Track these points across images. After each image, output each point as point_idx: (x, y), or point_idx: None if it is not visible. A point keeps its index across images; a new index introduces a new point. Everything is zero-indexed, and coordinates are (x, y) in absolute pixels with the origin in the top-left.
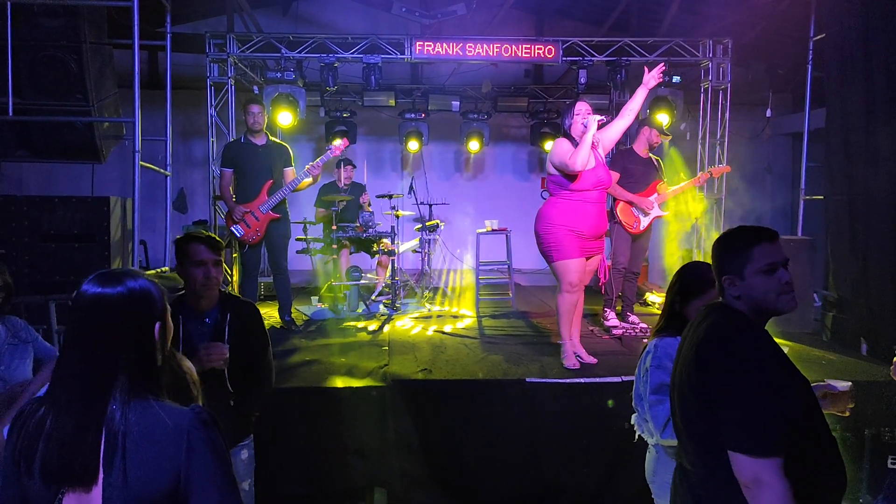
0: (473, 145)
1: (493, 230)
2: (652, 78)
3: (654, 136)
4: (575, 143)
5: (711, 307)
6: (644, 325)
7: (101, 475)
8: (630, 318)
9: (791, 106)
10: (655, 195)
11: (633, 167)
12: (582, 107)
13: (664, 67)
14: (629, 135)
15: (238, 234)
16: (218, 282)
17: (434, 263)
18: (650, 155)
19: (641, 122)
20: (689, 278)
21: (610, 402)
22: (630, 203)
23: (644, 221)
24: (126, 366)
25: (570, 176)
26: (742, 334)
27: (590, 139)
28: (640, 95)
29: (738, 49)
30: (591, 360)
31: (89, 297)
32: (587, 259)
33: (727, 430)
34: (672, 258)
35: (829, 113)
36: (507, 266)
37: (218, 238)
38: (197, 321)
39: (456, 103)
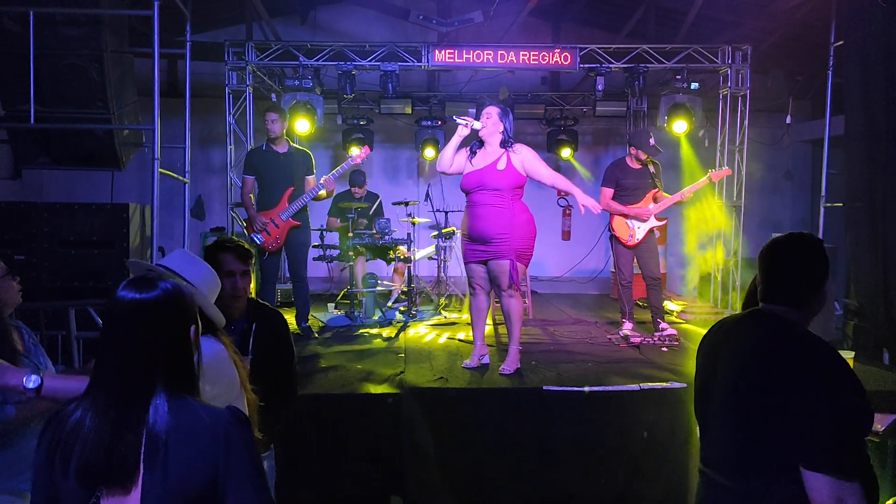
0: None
1: None
2: (583, 206)
3: (641, 154)
4: (479, 146)
5: (764, 316)
6: (672, 332)
7: (140, 476)
8: (661, 326)
9: (810, 113)
10: (652, 204)
11: (624, 181)
12: (485, 110)
13: (595, 209)
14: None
15: (258, 242)
16: (245, 293)
17: (450, 271)
18: (643, 164)
19: (628, 140)
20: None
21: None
22: (625, 216)
23: (639, 233)
24: (164, 367)
25: (461, 180)
26: (828, 349)
27: (454, 141)
28: (567, 192)
29: (756, 56)
30: (509, 370)
31: (127, 303)
32: (485, 263)
33: (809, 447)
34: (693, 264)
35: (848, 120)
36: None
37: (248, 247)
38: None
39: (472, 111)
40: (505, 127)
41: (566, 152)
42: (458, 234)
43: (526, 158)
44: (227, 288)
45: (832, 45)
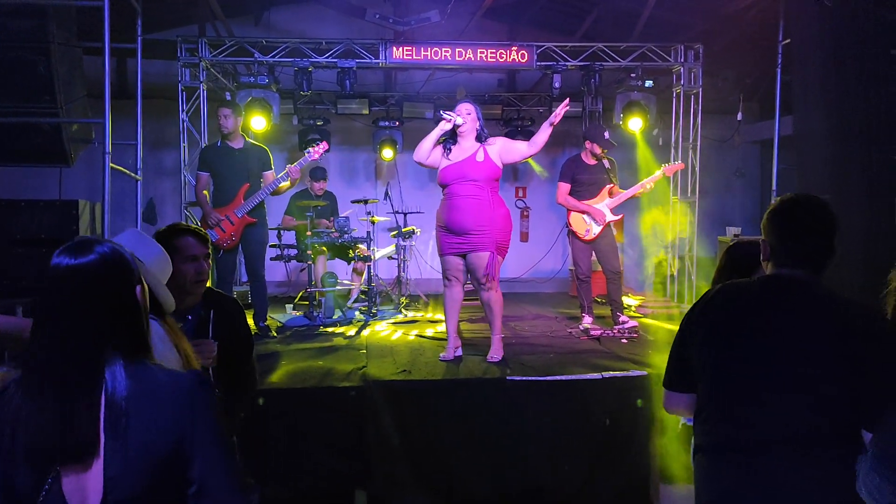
0: None
1: None
2: (557, 115)
3: (596, 148)
4: (453, 143)
5: (800, 282)
6: (634, 323)
7: (101, 447)
8: (621, 319)
9: (759, 114)
10: (608, 199)
11: (580, 176)
12: (461, 107)
13: (568, 104)
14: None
15: (213, 239)
16: (208, 275)
17: (410, 271)
18: (599, 159)
19: (583, 135)
20: (739, 258)
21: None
22: (581, 212)
23: (596, 228)
24: (114, 333)
25: (438, 173)
26: (877, 310)
27: (435, 133)
28: (544, 131)
29: (708, 57)
30: (497, 356)
31: (63, 270)
32: (463, 256)
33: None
34: (649, 265)
35: (797, 117)
36: None
37: (202, 230)
38: (177, 319)
39: (430, 112)
40: (480, 122)
41: None
42: (416, 234)
43: (501, 147)
44: (192, 273)
45: (780, 44)
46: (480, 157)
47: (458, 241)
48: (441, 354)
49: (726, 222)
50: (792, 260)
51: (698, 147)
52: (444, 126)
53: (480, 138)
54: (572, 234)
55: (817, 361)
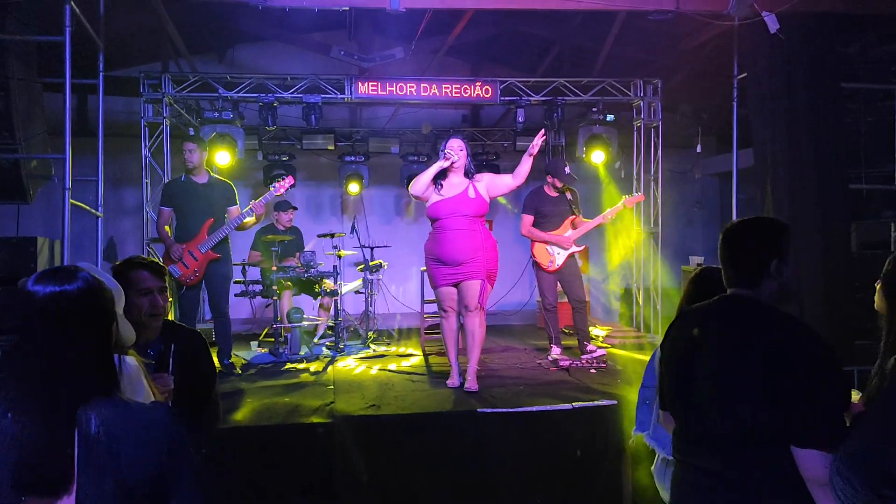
0: (415, 188)
1: None
2: (534, 146)
3: (557, 182)
4: (442, 178)
5: (739, 299)
6: (602, 351)
7: (74, 482)
8: (588, 348)
9: (716, 147)
10: (570, 231)
11: (543, 208)
12: (453, 143)
13: (544, 135)
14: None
15: (175, 275)
16: (165, 310)
17: (378, 305)
18: (560, 191)
19: (545, 169)
20: (704, 285)
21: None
22: (545, 242)
23: (559, 258)
24: (92, 366)
25: (430, 208)
26: (810, 327)
27: (433, 169)
28: (525, 162)
29: (666, 92)
30: (474, 387)
31: (45, 297)
32: (456, 285)
33: (809, 425)
34: (614, 291)
35: (756, 148)
36: None
37: (160, 262)
38: (139, 354)
39: (396, 147)
40: (468, 158)
41: None
42: (384, 268)
43: (488, 182)
44: (146, 307)
45: (735, 78)
46: (472, 193)
47: (451, 271)
48: (448, 381)
49: (689, 252)
50: (733, 279)
51: (660, 179)
52: (442, 164)
53: (468, 174)
54: (537, 265)
55: (748, 373)
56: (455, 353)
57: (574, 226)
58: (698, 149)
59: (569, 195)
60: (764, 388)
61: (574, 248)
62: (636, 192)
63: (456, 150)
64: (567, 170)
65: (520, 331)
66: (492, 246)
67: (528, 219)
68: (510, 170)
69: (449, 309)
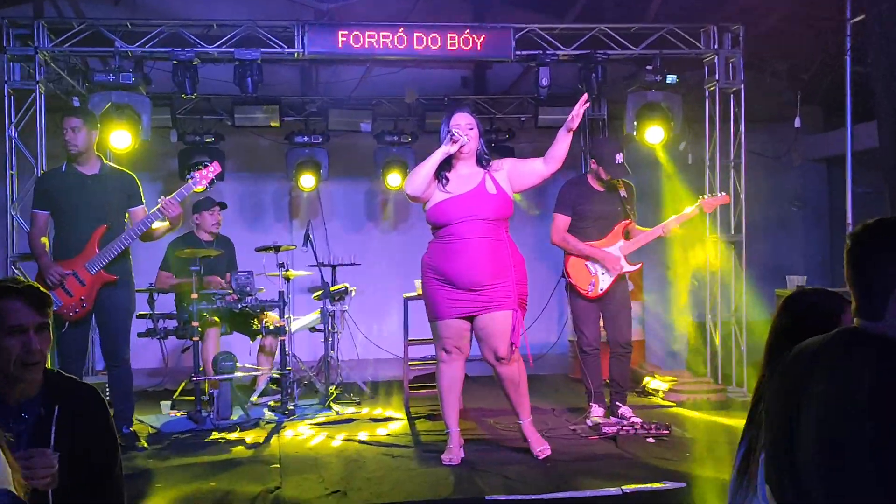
0: (394, 180)
1: None
2: (574, 117)
3: (602, 172)
4: (447, 168)
5: (857, 335)
6: (638, 420)
7: None
8: (620, 411)
9: (821, 122)
10: (622, 241)
11: (584, 206)
12: (459, 119)
13: (586, 102)
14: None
15: (54, 306)
16: (44, 356)
17: (342, 347)
18: (609, 185)
19: (589, 151)
20: (802, 315)
21: None
22: (584, 257)
23: (605, 280)
24: None
25: (432, 211)
26: None
27: (436, 157)
28: (562, 140)
29: (751, 43)
30: (546, 450)
31: None
32: (470, 319)
33: None
34: (680, 326)
35: (881, 122)
36: None
37: (42, 288)
38: (7, 416)
39: (367, 124)
40: (481, 140)
41: None
42: (351, 295)
43: (511, 172)
44: (18, 351)
45: (848, 22)
46: (491, 188)
47: (465, 298)
48: (444, 456)
49: (785, 269)
50: (858, 307)
51: (743, 166)
52: (448, 149)
53: (482, 161)
54: (572, 288)
55: (870, 441)
56: (456, 415)
57: (628, 235)
58: (797, 123)
59: (622, 191)
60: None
61: (626, 267)
62: (719, 192)
63: (464, 128)
64: (619, 158)
65: (546, 383)
66: (521, 262)
67: (563, 221)
68: (529, 154)
69: (453, 350)
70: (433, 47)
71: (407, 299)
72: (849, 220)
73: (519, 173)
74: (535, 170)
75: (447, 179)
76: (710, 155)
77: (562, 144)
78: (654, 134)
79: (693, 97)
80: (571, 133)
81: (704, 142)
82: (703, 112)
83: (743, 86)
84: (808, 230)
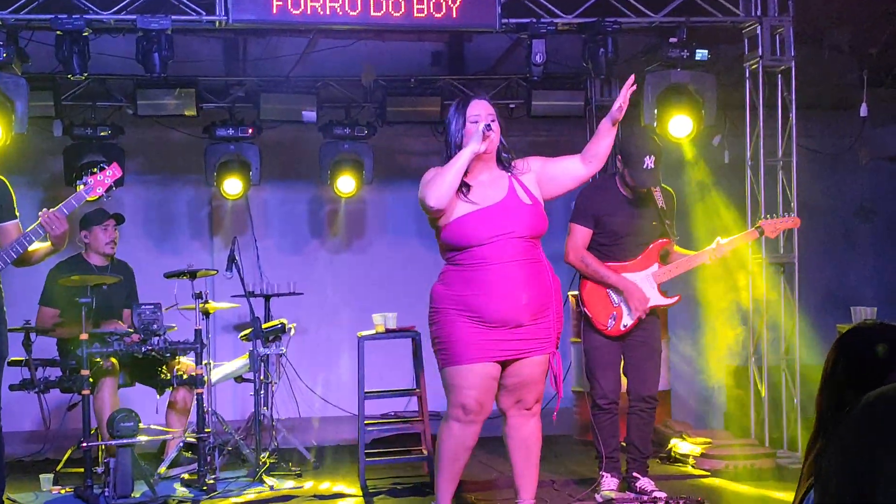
0: (346, 185)
1: (388, 331)
2: (620, 105)
3: (627, 175)
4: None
5: None
6: (663, 495)
7: None
8: (639, 483)
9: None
10: (657, 266)
11: (610, 216)
12: (479, 108)
13: (633, 84)
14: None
15: None
16: None
17: (279, 402)
18: (639, 192)
19: (618, 147)
20: (863, 357)
21: None
22: (607, 283)
23: (628, 314)
24: None
25: (450, 228)
26: None
27: (465, 158)
28: (605, 134)
29: (804, 8)
30: None
31: None
32: (504, 365)
33: None
34: (716, 373)
35: None
36: (416, 396)
37: None
38: None
39: (311, 112)
40: (501, 137)
41: None
42: (290, 334)
43: (539, 173)
44: None
45: None
46: (524, 196)
47: (500, 338)
48: None
49: (849, 300)
50: None
51: (793, 166)
52: (479, 147)
53: (503, 161)
54: (588, 321)
55: None
56: (452, 493)
57: (665, 257)
58: (863, 111)
59: (660, 200)
60: None
61: (661, 300)
62: (784, 214)
63: (486, 119)
64: (649, 161)
65: (544, 446)
66: (559, 288)
67: (583, 235)
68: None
69: (475, 407)
70: (395, 14)
71: (363, 339)
72: None
73: (550, 176)
74: (571, 171)
75: (468, 187)
76: (751, 152)
77: (606, 140)
78: (679, 125)
79: (730, 78)
80: (617, 125)
81: (745, 135)
82: (744, 97)
83: (794, 63)
84: (879, 248)
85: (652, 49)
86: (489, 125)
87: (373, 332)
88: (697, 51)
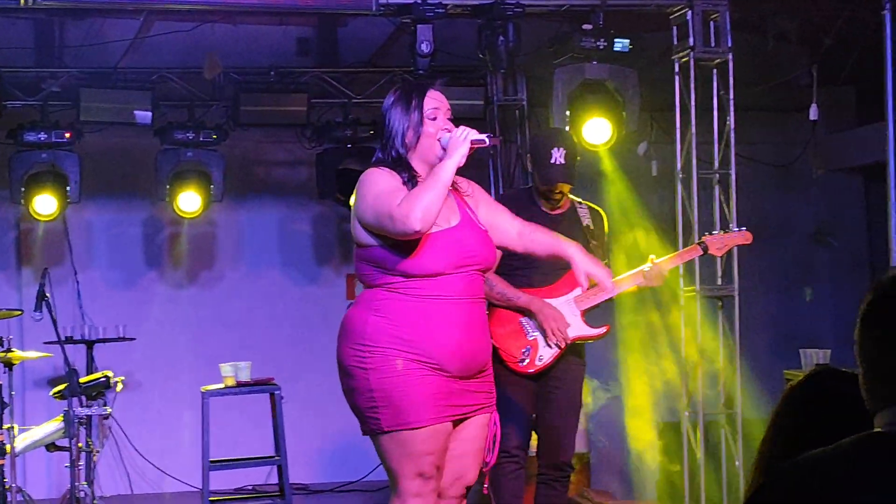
0: (189, 202)
1: (240, 385)
2: (592, 273)
3: (537, 178)
4: (409, 177)
5: (886, 442)
6: None
7: None
8: None
9: (853, 110)
10: (577, 291)
11: None
12: (436, 100)
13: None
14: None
15: None
16: None
17: (103, 474)
18: (556, 201)
19: (528, 148)
20: (819, 408)
21: None
22: (518, 311)
23: (545, 345)
24: None
25: (401, 247)
26: None
27: (450, 170)
28: (551, 244)
29: None
30: None
31: None
32: (455, 423)
33: None
34: (644, 431)
35: None
36: (275, 465)
37: None
38: None
39: (144, 112)
40: None
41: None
42: (115, 390)
43: (481, 202)
44: None
45: None
46: (477, 220)
47: (459, 389)
48: None
49: (800, 340)
50: (887, 396)
51: (732, 181)
52: (461, 159)
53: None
54: (496, 355)
55: None
56: None
57: (586, 283)
58: (813, 114)
59: (585, 216)
60: None
61: (585, 330)
62: (734, 227)
63: (444, 112)
64: (558, 155)
65: None
66: None
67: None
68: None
69: (433, 475)
70: None
71: (208, 395)
72: (892, 260)
73: (490, 222)
74: (503, 233)
75: None
76: (682, 163)
77: (544, 254)
78: (596, 130)
79: (657, 74)
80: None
81: (675, 143)
82: (672, 97)
83: (731, 56)
84: (838, 278)
85: (562, 38)
86: (491, 135)
87: (221, 386)
88: (616, 40)
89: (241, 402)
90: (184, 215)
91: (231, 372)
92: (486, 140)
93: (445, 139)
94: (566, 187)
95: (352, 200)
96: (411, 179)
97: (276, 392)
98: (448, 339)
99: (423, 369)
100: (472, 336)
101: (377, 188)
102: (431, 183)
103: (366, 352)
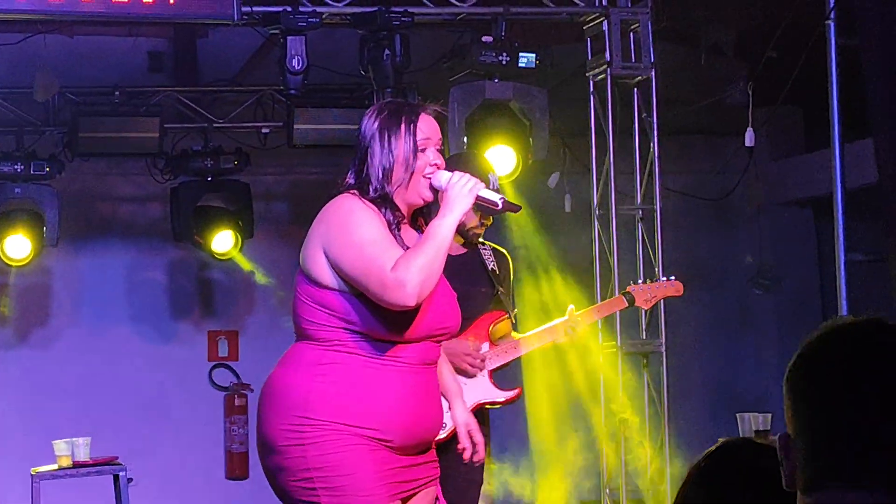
0: (18, 247)
1: (77, 465)
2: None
3: (470, 218)
4: (395, 221)
5: None
6: None
7: None
8: None
9: (800, 133)
10: (486, 346)
11: None
12: (429, 128)
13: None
14: None
15: None
16: None
17: None
18: (473, 242)
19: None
20: (726, 483)
21: None
22: None
23: (448, 417)
24: None
25: (373, 302)
26: None
27: (450, 230)
28: (445, 226)
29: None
30: None
31: None
32: (405, 500)
33: None
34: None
35: (880, 143)
36: None
37: None
38: None
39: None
40: None
41: (224, 240)
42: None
43: None
44: None
45: None
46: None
47: (409, 465)
48: None
49: (740, 402)
50: (824, 470)
51: (657, 217)
52: (462, 215)
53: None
54: None
55: None
56: None
57: (495, 335)
58: (749, 139)
59: (490, 260)
60: None
61: (494, 394)
62: (661, 277)
63: (435, 143)
64: (494, 180)
65: None
66: None
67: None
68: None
69: None
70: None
71: (38, 477)
72: (842, 307)
73: None
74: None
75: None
76: (599, 197)
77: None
78: (498, 158)
79: (569, 93)
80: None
81: (591, 174)
82: (587, 120)
83: (654, 73)
84: (785, 327)
85: (459, 52)
86: (505, 199)
87: (55, 466)
88: (521, 54)
89: (78, 486)
90: (11, 263)
91: (66, 450)
92: (500, 203)
93: (440, 180)
94: (489, 220)
95: (316, 227)
96: (397, 225)
97: (122, 473)
98: (402, 411)
99: (370, 443)
100: (427, 409)
101: (363, 232)
102: (429, 246)
103: (306, 426)
